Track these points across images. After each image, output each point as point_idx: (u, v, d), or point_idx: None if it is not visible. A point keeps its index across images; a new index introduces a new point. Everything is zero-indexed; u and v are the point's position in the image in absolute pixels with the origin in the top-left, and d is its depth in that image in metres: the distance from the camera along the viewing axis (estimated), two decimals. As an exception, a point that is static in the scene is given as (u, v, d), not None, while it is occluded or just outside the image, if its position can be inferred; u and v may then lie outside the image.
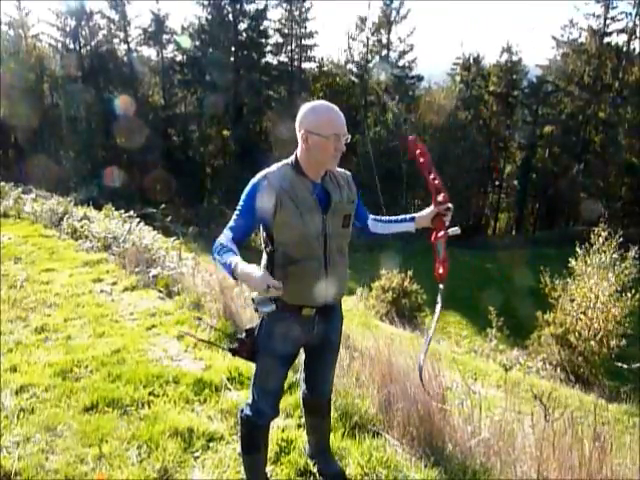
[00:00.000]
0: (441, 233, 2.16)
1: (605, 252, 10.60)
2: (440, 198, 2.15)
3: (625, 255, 10.50)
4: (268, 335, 2.06)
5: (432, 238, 2.20)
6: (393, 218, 2.28)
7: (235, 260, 1.79)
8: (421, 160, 2.16)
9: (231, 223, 1.95)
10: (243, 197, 1.97)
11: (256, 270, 1.75)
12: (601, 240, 10.72)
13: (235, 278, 1.80)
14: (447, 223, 2.17)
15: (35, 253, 7.07)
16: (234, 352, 2.12)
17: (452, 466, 2.50)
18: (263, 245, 2.04)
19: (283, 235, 1.95)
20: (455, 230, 2.16)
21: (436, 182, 2.15)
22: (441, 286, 2.17)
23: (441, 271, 2.16)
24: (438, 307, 2.16)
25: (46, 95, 31.23)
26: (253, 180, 1.97)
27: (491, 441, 2.56)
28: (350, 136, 2.02)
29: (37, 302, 5.00)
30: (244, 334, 2.11)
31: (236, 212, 1.97)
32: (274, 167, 2.00)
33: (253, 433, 2.18)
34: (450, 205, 2.14)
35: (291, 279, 1.95)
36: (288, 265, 1.96)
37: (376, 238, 2.37)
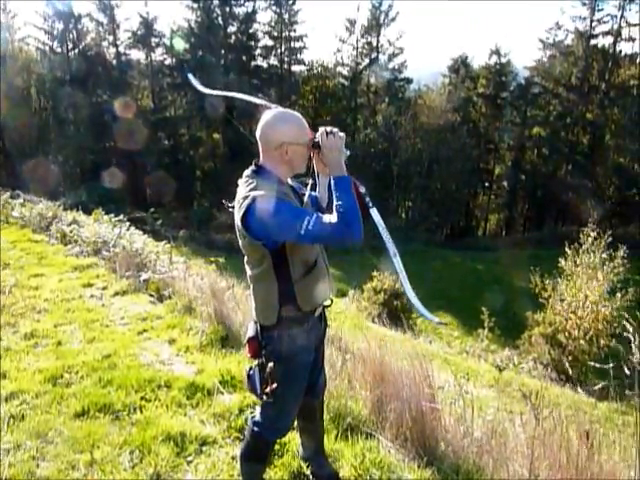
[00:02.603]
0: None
1: (594, 252, 10.72)
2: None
3: (614, 255, 10.62)
4: (293, 354, 1.97)
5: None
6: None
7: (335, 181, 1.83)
8: None
9: (299, 217, 1.74)
10: (273, 210, 1.75)
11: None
12: (590, 240, 10.83)
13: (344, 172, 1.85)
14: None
15: (24, 258, 6.98)
16: (261, 396, 1.97)
17: (445, 466, 2.51)
18: (272, 269, 1.89)
19: (298, 244, 1.89)
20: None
21: None
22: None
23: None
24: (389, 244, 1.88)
25: (34, 99, 30.97)
26: (252, 203, 1.79)
27: (483, 440, 2.58)
28: None
29: (26, 308, 4.94)
30: (256, 370, 1.96)
31: (287, 214, 1.76)
32: (255, 192, 1.81)
33: (263, 448, 2.18)
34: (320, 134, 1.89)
35: (311, 285, 1.94)
36: (307, 273, 1.92)
37: (369, 240, 2.14)
